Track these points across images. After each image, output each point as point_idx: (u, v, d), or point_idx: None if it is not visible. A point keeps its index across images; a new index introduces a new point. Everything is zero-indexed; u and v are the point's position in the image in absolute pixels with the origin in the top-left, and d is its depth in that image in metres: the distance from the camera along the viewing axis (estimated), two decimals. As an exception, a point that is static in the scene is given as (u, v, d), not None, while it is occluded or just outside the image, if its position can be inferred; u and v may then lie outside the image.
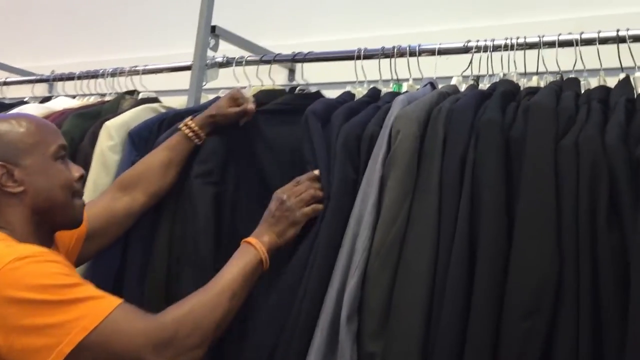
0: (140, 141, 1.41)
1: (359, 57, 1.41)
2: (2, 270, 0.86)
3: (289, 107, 1.34)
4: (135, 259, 1.22)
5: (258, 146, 1.28)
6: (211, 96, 1.59)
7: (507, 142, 0.98)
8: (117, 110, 1.67)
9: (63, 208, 1.01)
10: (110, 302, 0.89)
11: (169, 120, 1.40)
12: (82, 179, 1.06)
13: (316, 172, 1.11)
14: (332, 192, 1.05)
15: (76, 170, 1.05)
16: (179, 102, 1.62)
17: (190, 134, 1.24)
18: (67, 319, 0.85)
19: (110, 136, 1.42)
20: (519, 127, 0.99)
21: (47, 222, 1.01)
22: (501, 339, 0.88)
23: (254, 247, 1.05)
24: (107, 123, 1.45)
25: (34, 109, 1.75)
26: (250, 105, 1.26)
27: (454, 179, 0.97)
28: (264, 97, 1.47)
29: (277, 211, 1.10)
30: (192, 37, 1.62)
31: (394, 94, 1.25)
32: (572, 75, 1.17)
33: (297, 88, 1.56)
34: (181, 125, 1.25)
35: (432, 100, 1.09)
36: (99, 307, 0.88)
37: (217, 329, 0.96)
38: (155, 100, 1.72)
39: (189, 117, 1.26)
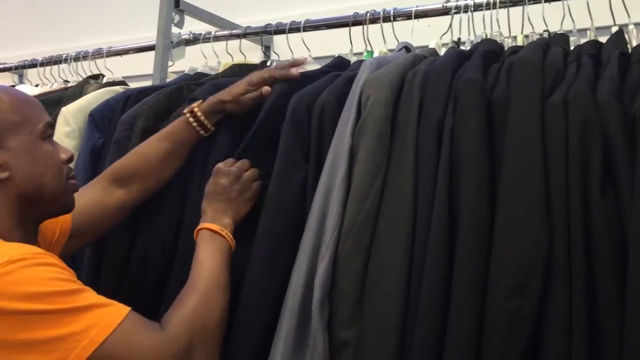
0: (103, 122, 1.32)
1: (328, 27, 1.31)
2: None
3: None
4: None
5: None
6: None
7: (489, 105, 0.88)
8: (80, 95, 1.57)
9: (55, 195, 0.88)
10: (118, 311, 0.77)
11: (134, 97, 1.31)
12: (71, 161, 0.93)
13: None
14: (276, 167, 0.94)
15: (63, 152, 0.91)
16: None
17: (195, 124, 1.06)
18: (72, 330, 0.73)
19: (67, 122, 1.34)
20: (502, 87, 0.89)
21: (35, 211, 0.88)
22: (485, 322, 0.78)
23: (220, 234, 0.95)
24: (64, 109, 1.37)
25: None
26: (266, 88, 1.06)
27: (430, 148, 0.87)
28: (238, 72, 1.39)
29: (235, 185, 0.99)
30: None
31: (362, 62, 1.14)
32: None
33: (271, 63, 1.46)
34: (185, 110, 1.08)
35: (407, 64, 0.98)
36: (107, 316, 0.76)
37: (222, 327, 0.87)
38: (121, 83, 1.63)
39: (197, 102, 1.08)
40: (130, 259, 1.10)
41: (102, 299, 0.78)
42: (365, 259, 0.86)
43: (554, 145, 0.81)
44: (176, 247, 1.06)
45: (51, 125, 0.90)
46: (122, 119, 1.24)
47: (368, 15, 1.27)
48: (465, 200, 0.82)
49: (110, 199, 1.06)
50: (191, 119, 1.07)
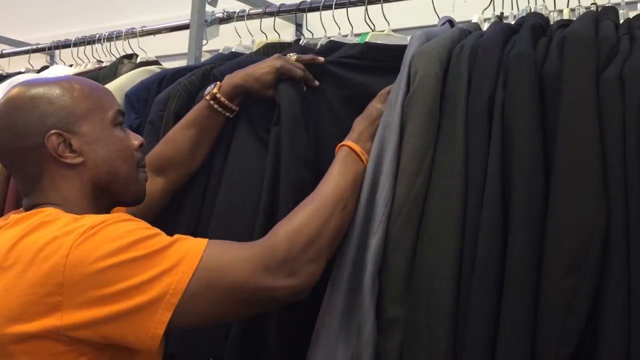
0: (139, 103, 1.34)
1: (365, 3, 1.30)
2: (79, 241, 0.75)
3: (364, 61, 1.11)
4: None
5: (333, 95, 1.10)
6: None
7: (540, 80, 0.87)
8: (115, 75, 1.59)
9: (126, 181, 0.90)
10: (199, 241, 0.80)
11: (169, 78, 1.32)
12: (142, 147, 0.95)
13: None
14: None
15: (135, 138, 0.93)
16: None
17: (219, 108, 1.08)
18: (164, 268, 0.76)
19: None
20: (553, 61, 0.87)
21: (108, 197, 0.90)
22: (540, 300, 0.77)
23: (359, 156, 0.92)
24: (101, 88, 1.37)
25: (26, 79, 1.66)
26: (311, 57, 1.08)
27: (481, 122, 0.86)
28: (272, 51, 1.38)
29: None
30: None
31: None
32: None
33: (302, 41, 1.44)
34: (207, 95, 1.08)
35: (454, 37, 0.97)
36: (191, 247, 0.78)
37: (331, 242, 0.86)
38: (155, 62, 1.63)
39: (215, 86, 1.08)
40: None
41: (181, 235, 0.81)
42: (416, 235, 0.85)
43: (610, 121, 0.79)
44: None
45: (122, 113, 0.92)
46: (156, 100, 1.25)
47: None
48: (519, 175, 0.81)
49: (153, 187, 1.07)
50: (215, 105, 1.08)
